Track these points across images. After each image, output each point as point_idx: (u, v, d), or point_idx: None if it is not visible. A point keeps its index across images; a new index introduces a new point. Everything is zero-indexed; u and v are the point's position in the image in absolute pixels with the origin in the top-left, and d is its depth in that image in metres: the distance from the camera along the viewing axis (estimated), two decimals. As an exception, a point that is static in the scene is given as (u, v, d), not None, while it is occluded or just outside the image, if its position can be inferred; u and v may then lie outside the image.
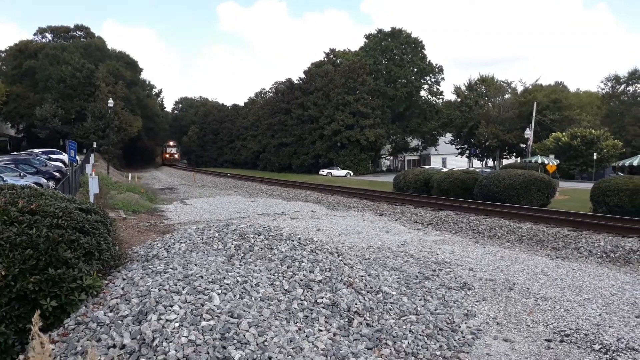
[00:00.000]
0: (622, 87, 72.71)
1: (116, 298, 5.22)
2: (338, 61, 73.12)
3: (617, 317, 6.60)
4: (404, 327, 5.79)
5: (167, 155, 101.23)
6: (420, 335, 5.68)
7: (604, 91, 74.84)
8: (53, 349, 4.37)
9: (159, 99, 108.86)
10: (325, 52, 77.39)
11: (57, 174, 23.81)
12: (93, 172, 18.63)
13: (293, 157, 70.83)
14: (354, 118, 62.45)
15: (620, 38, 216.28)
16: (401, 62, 70.11)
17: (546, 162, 35.99)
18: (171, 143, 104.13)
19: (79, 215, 5.94)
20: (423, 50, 71.63)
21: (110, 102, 42.13)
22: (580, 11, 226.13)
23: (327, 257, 7.56)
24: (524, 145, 53.88)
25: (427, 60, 71.64)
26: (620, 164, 49.72)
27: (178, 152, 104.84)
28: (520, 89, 69.12)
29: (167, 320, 4.70)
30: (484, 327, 6.28)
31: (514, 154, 69.27)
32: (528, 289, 7.98)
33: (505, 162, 67.87)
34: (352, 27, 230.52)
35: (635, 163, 46.79)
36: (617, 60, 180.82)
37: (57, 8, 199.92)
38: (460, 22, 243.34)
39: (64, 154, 35.30)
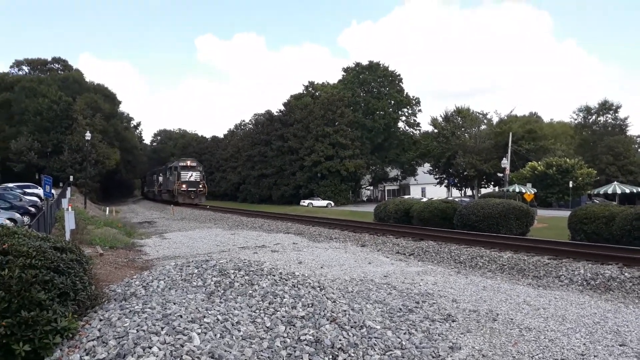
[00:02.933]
0: (594, 117, 74.93)
1: (92, 340, 5.04)
2: (317, 93, 74.08)
3: (602, 346, 6.59)
4: (389, 363, 5.69)
5: (184, 187, 54.72)
6: (406, 371, 5.58)
7: (576, 121, 77.00)
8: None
9: (138, 131, 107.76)
10: (304, 85, 78.72)
11: (32, 209, 23.27)
12: (69, 207, 18.23)
13: (274, 189, 70.71)
14: (333, 149, 62.91)
15: (589, 69, 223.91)
16: (379, 94, 71.35)
17: (524, 190, 36.51)
18: (189, 162, 58.00)
19: (53, 255, 5.78)
20: (400, 83, 73.09)
21: (88, 135, 41.69)
22: (552, 43, 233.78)
23: (309, 291, 7.45)
24: (501, 175, 54.78)
25: (405, 92, 73.00)
26: (595, 192, 50.83)
27: (203, 181, 58.52)
28: (495, 119, 70.75)
29: (145, 362, 4.55)
30: (469, 360, 6.20)
31: (492, 183, 70.25)
32: (512, 319, 7.95)
33: (483, 191, 68.70)
34: (330, 60, 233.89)
35: (609, 191, 48.00)
36: (586, 90, 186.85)
37: (34, 41, 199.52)
38: (435, 54, 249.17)
39: (39, 188, 34.58)
